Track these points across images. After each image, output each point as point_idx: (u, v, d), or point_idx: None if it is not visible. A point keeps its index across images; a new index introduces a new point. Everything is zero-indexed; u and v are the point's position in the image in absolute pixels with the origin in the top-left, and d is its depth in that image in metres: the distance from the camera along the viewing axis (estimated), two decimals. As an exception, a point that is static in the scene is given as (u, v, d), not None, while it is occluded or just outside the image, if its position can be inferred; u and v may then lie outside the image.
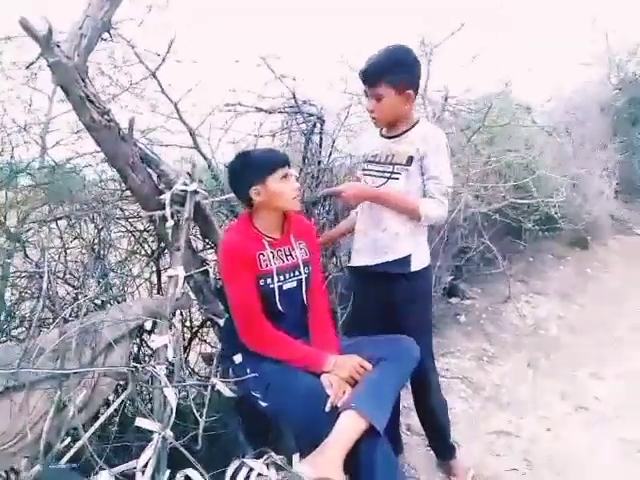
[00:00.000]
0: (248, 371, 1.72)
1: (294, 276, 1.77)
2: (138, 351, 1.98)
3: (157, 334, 1.72)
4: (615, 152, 5.76)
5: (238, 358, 1.79)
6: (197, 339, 2.47)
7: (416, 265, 1.89)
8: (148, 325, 1.80)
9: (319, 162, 2.62)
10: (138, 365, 1.54)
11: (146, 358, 2.02)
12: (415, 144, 1.81)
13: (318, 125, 2.59)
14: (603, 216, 5.47)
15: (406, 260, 1.88)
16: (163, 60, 1.98)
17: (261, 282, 1.70)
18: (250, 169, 1.69)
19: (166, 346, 1.70)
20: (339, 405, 1.54)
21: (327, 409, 1.53)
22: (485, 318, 3.77)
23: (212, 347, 2.51)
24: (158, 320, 1.76)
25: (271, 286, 1.71)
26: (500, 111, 4.14)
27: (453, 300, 3.97)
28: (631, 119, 6.87)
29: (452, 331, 3.47)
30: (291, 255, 1.78)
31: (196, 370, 2.50)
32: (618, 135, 6.06)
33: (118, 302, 1.89)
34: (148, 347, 2.00)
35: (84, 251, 1.92)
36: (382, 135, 1.95)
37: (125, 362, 1.70)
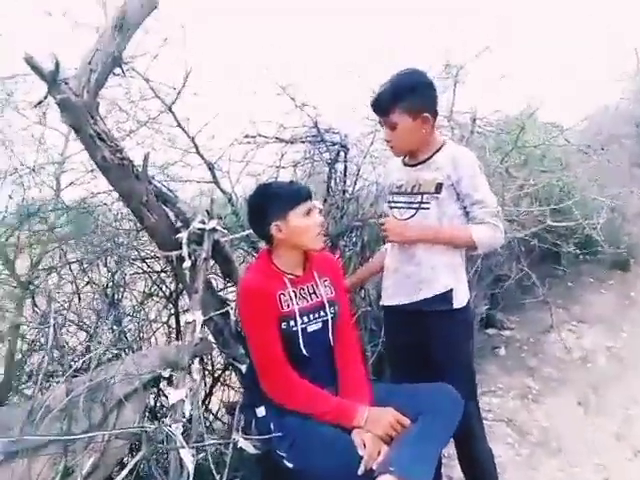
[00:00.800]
0: (272, 426, 1.58)
1: (319, 317, 1.62)
2: (155, 403, 1.84)
3: (173, 387, 1.58)
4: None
5: (261, 411, 1.63)
6: (220, 384, 2.33)
7: (459, 301, 1.73)
8: (166, 373, 1.68)
9: (344, 192, 2.49)
10: (150, 426, 1.40)
11: (164, 409, 1.88)
12: (443, 170, 1.68)
13: (342, 153, 2.46)
14: (646, 237, 5.15)
15: (447, 296, 1.71)
16: (179, 94, 1.89)
17: (283, 325, 1.56)
18: (271, 203, 1.56)
19: (183, 400, 1.56)
20: (374, 467, 1.36)
21: (360, 472, 1.36)
22: (526, 350, 3.53)
23: (236, 391, 2.37)
24: (175, 371, 1.62)
25: (294, 329, 1.56)
26: (532, 131, 3.98)
27: (490, 331, 3.74)
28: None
29: (491, 366, 3.24)
30: (315, 293, 1.63)
31: (219, 416, 2.36)
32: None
33: (133, 351, 1.76)
34: (166, 397, 1.86)
35: (97, 296, 1.81)
36: (405, 164, 1.81)
37: (139, 419, 1.57)
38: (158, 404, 1.92)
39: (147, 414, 1.72)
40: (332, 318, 1.63)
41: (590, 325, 3.96)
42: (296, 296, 1.58)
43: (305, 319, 1.58)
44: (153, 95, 2.14)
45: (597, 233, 3.80)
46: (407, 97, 1.63)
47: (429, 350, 1.75)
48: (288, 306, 1.56)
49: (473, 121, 3.71)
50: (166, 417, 1.82)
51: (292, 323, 1.55)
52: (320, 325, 1.61)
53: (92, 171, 1.98)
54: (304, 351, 1.57)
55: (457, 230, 1.69)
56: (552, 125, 4.45)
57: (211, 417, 2.33)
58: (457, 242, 1.70)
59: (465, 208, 1.71)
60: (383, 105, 1.67)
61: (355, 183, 2.54)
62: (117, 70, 1.75)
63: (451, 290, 1.71)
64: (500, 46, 3.55)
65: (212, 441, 1.53)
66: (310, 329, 1.59)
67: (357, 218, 2.47)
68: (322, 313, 1.62)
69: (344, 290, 1.77)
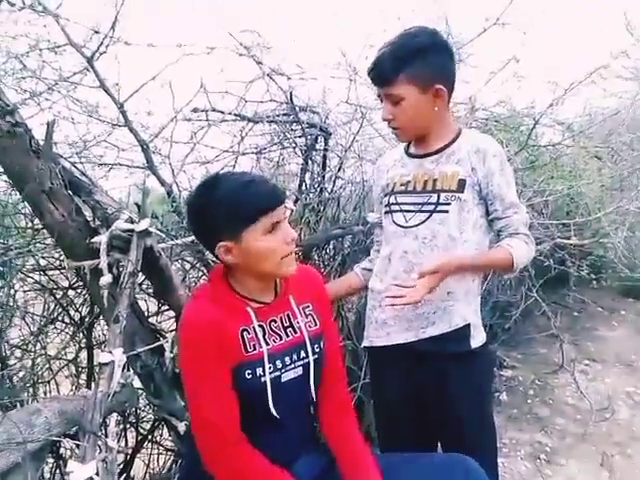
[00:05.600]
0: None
1: (298, 359, 1.33)
2: (53, 476, 1.51)
3: (78, 459, 1.26)
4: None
5: (207, 494, 1.33)
6: (148, 441, 2.01)
7: (477, 339, 1.53)
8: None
9: (321, 190, 2.22)
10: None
11: (65, 485, 1.55)
12: (466, 162, 1.48)
13: (321, 140, 2.20)
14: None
15: (464, 332, 1.50)
16: (103, 40, 1.58)
17: (247, 374, 1.25)
18: (216, 214, 1.21)
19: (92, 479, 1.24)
20: None
21: None
22: (533, 396, 3.35)
23: (169, 453, 2.05)
24: (81, 434, 1.31)
25: (262, 379, 1.26)
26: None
27: (489, 371, 3.55)
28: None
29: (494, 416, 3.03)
30: (292, 327, 1.34)
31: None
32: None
33: (21, 403, 1.42)
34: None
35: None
36: (411, 154, 1.58)
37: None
38: (57, 477, 1.57)
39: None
40: (316, 360, 1.34)
41: (605, 365, 3.85)
42: (265, 333, 1.28)
43: (278, 364, 1.28)
44: (68, 48, 1.83)
45: (617, 254, 3.70)
46: (414, 62, 1.41)
47: (437, 406, 1.53)
48: (254, 347, 1.26)
49: (472, 112, 3.57)
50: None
51: (259, 371, 1.25)
52: (300, 372, 1.32)
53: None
54: (273, 411, 1.28)
55: (494, 252, 1.49)
56: (560, 123, 4.38)
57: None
58: (496, 267, 1.50)
59: (489, 214, 1.51)
60: (383, 72, 1.44)
61: (335, 179, 2.27)
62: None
63: (468, 325, 1.51)
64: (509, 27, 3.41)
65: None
66: (285, 378, 1.29)
67: (337, 225, 2.20)
68: (302, 354, 1.32)
69: (332, 319, 1.48)
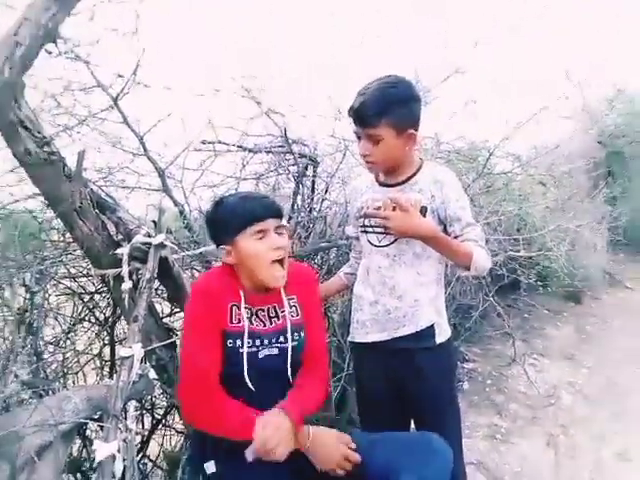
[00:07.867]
0: (226, 487, 1.27)
1: (276, 342, 1.33)
2: (80, 454, 1.49)
3: (102, 439, 1.25)
4: (603, 204, 5.59)
5: (211, 467, 1.33)
6: (162, 425, 1.99)
7: (441, 336, 1.54)
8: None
9: (310, 210, 2.24)
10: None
11: (91, 461, 1.54)
12: (427, 191, 1.49)
13: (310, 167, 2.22)
14: (596, 269, 5.22)
15: (429, 332, 1.51)
16: (127, 83, 1.60)
17: (228, 342, 1.28)
18: (220, 222, 1.34)
19: (114, 457, 1.24)
20: None
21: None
22: (490, 385, 3.36)
23: (179, 435, 2.04)
24: (105, 418, 1.30)
25: (240, 350, 1.28)
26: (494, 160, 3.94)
27: (453, 364, 3.56)
28: (613, 172, 6.81)
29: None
30: (277, 316, 1.36)
31: (159, 463, 2.01)
32: (602, 187, 5.93)
33: (54, 391, 1.42)
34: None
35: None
36: (381, 183, 1.59)
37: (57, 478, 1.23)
38: (84, 454, 1.56)
39: (68, 471, 1.37)
40: (295, 347, 1.34)
41: (550, 359, 3.87)
42: (251, 314, 1.32)
43: (257, 342, 1.30)
44: (96, 88, 1.84)
45: (559, 265, 3.76)
46: (397, 110, 1.41)
47: (410, 392, 1.54)
48: (239, 321, 1.29)
49: (437, 145, 3.61)
50: (92, 471, 1.49)
51: (238, 343, 1.28)
52: (276, 351, 1.32)
53: (12, 171, 1.64)
54: (247, 381, 1.28)
55: (458, 242, 1.46)
56: (511, 155, 4.46)
57: (149, 465, 1.98)
58: (454, 252, 1.45)
59: (449, 235, 1.50)
60: (367, 116, 1.43)
61: (323, 201, 2.30)
62: (52, 49, 1.46)
63: (432, 325, 1.52)
64: (469, 70, 3.47)
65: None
66: (262, 354, 1.31)
67: (324, 239, 2.22)
68: (282, 339, 1.33)
69: (318, 313, 1.49)
